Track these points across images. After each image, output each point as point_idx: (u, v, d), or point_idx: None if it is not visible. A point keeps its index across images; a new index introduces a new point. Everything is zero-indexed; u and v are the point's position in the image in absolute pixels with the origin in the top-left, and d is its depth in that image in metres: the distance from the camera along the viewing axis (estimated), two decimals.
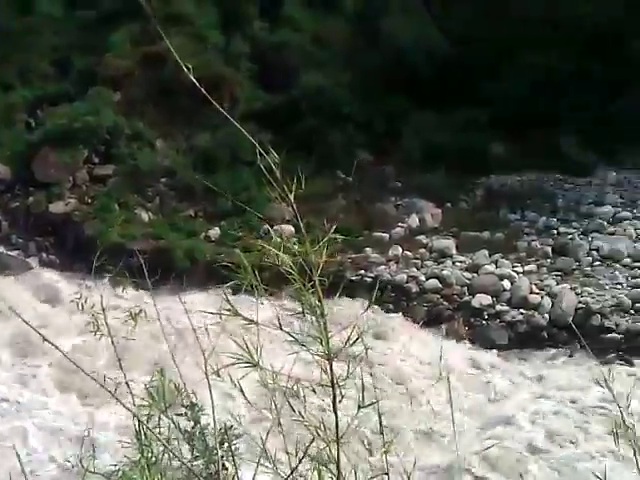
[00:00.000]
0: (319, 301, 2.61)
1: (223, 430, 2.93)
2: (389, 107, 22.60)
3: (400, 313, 16.72)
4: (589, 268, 17.99)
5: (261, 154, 2.57)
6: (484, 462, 11.45)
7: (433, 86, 21.76)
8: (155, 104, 22.56)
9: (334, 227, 2.68)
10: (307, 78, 22.88)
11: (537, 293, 17.02)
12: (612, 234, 19.03)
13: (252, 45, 24.03)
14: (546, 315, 16.44)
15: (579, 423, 12.69)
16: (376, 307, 16.37)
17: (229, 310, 2.68)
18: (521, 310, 16.70)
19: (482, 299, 16.88)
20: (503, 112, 21.53)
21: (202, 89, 2.67)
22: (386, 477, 3.02)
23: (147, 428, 2.77)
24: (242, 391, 2.85)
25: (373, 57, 23.61)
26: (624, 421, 3.66)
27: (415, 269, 17.97)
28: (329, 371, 2.62)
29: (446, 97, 21.60)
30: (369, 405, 2.70)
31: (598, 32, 21.97)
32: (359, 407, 2.62)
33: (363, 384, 2.62)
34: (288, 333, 2.63)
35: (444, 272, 17.70)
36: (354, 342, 2.67)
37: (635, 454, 3.70)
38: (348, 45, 24.44)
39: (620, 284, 17.31)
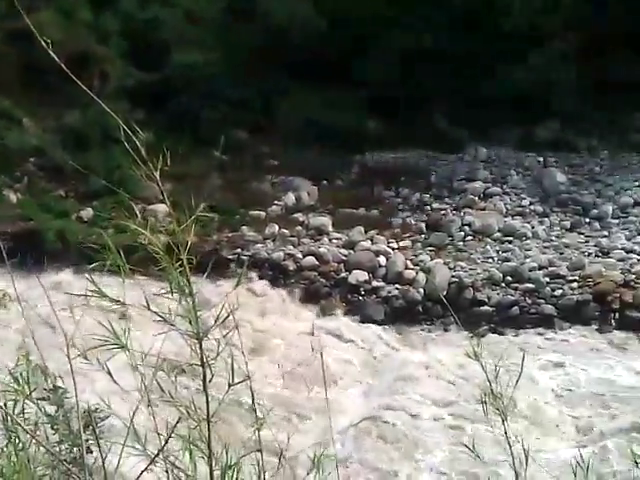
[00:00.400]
0: (187, 280, 2.57)
1: (87, 413, 2.86)
2: (264, 85, 22.53)
3: (278, 290, 16.73)
4: (461, 243, 18.42)
5: (128, 133, 2.50)
6: (363, 438, 11.58)
7: (309, 64, 21.77)
8: (23, 82, 21.83)
9: (207, 206, 2.63)
10: (180, 55, 22.56)
11: (412, 268, 17.29)
12: (483, 209, 19.52)
13: (123, 21, 23.51)
14: (421, 290, 16.73)
15: (464, 395, 12.90)
16: (256, 284, 16.40)
17: (95, 291, 2.61)
18: (397, 285, 16.94)
19: (358, 275, 17.04)
20: (377, 90, 21.77)
21: (62, 65, 2.58)
22: (259, 454, 3.01)
23: (7, 414, 2.69)
24: (110, 373, 2.79)
25: (248, 34, 23.44)
26: (492, 390, 3.75)
27: (292, 247, 18.03)
28: (198, 350, 2.59)
29: (322, 75, 21.66)
30: (240, 382, 2.68)
31: (470, 11, 22.40)
32: (229, 385, 2.60)
33: (233, 362, 2.60)
34: (156, 313, 2.58)
35: (321, 249, 17.82)
36: (224, 320, 2.64)
37: (503, 422, 3.80)
38: (222, 22, 24.19)
39: (491, 258, 17.77)
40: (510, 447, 3.81)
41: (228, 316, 2.62)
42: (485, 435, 9.85)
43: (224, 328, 2.70)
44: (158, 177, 2.52)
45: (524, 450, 3.76)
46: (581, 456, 3.36)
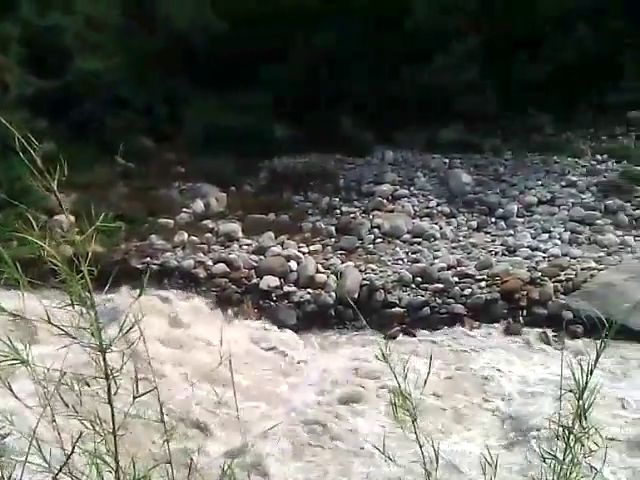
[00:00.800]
0: (88, 292, 2.52)
1: None
2: (169, 91, 22.36)
3: (189, 299, 16.57)
4: (372, 245, 18.55)
5: (24, 143, 2.46)
6: (288, 446, 11.46)
7: (214, 69, 21.68)
8: None
9: (113, 215, 2.59)
10: (82, 62, 22.22)
11: (323, 272, 17.33)
12: (392, 212, 19.72)
13: (22, 29, 23.04)
14: (332, 293, 16.74)
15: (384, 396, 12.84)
16: (166, 293, 16.20)
17: None
18: (308, 290, 16.93)
19: (270, 281, 16.99)
20: (285, 95, 21.82)
21: None
22: (169, 466, 2.97)
23: None
24: (11, 389, 2.72)
25: (150, 40, 23.23)
26: (402, 392, 3.76)
27: (202, 254, 17.88)
28: (102, 363, 2.55)
29: (228, 80, 21.60)
30: (145, 393, 2.64)
31: (375, 13, 22.58)
32: (134, 397, 2.56)
33: (136, 373, 2.56)
34: (57, 326, 2.53)
35: (231, 256, 17.72)
36: (128, 331, 2.60)
37: (413, 423, 3.82)
38: (123, 28, 23.93)
39: (401, 260, 17.93)
40: (421, 447, 3.84)
41: (132, 327, 2.58)
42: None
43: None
44: (56, 188, 2.47)
45: (434, 450, 3.80)
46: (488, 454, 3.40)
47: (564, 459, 2.88)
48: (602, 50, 22.21)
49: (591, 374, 2.87)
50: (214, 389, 10.73)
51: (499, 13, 22.37)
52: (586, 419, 3.09)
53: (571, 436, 2.89)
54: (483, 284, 16.76)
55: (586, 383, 2.82)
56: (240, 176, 21.18)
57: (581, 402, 2.88)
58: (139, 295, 2.67)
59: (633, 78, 22.75)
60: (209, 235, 18.71)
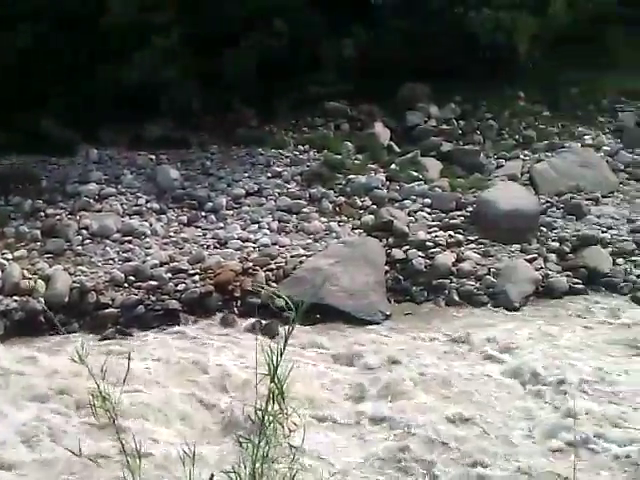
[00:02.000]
0: None
1: None
2: None
3: None
4: (80, 247, 18.06)
5: None
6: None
7: None
8: None
9: None
10: None
11: (30, 278, 16.67)
12: (100, 211, 19.28)
13: None
14: (41, 299, 16.14)
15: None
16: None
17: None
18: (15, 297, 16.23)
19: None
20: None
21: None
22: None
23: None
24: None
25: None
26: (101, 392, 3.65)
27: None
28: None
29: None
30: None
31: (67, 11, 21.93)
32: None
33: None
34: None
35: None
36: None
37: (114, 422, 3.71)
38: None
39: (112, 259, 17.65)
40: (122, 445, 3.74)
41: None
42: None
43: None
44: None
45: (136, 447, 3.71)
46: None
47: (259, 442, 2.89)
48: (299, 45, 22.91)
49: (281, 356, 2.90)
50: None
51: (200, 10, 22.44)
52: (284, 400, 3.13)
53: (265, 417, 2.91)
54: (197, 278, 16.89)
55: (276, 366, 2.86)
56: None
57: (272, 385, 2.90)
58: None
59: (329, 71, 23.71)
60: None
